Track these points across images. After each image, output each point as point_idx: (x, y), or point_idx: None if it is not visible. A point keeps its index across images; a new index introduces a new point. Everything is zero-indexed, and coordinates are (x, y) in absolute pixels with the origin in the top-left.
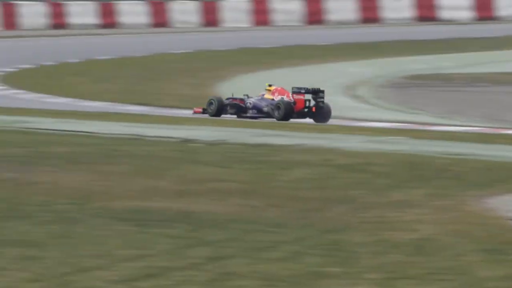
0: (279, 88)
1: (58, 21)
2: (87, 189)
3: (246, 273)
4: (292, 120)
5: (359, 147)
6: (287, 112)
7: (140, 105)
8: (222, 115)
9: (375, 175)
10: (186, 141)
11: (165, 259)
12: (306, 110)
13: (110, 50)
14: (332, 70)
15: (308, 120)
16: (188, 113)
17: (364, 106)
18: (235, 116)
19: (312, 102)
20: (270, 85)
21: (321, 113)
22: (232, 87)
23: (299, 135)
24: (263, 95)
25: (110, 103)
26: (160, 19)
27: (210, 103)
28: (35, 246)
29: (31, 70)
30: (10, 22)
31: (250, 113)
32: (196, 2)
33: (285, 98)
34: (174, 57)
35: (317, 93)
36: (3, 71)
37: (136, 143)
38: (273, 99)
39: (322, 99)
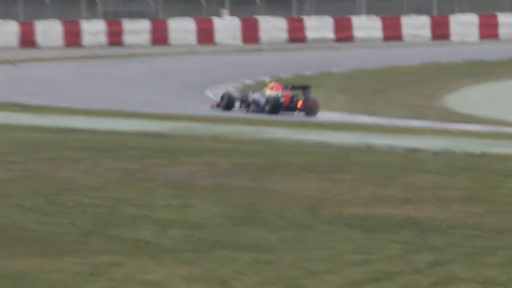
0: (276, 84)
1: (297, 36)
2: (319, 197)
3: (466, 277)
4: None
5: None
6: (274, 106)
7: (371, 116)
8: (234, 109)
9: None
10: (413, 150)
11: (390, 264)
12: (292, 105)
13: (344, 63)
14: None
15: None
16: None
17: None
18: (244, 109)
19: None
20: (270, 81)
21: (308, 107)
22: (460, 98)
23: None
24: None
25: (342, 113)
26: (393, 33)
27: (222, 98)
28: (268, 251)
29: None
30: (250, 37)
31: (252, 107)
32: (428, 17)
33: (280, 94)
34: (405, 70)
35: (304, 88)
36: (240, 83)
37: (365, 153)
38: (271, 95)
39: (308, 95)
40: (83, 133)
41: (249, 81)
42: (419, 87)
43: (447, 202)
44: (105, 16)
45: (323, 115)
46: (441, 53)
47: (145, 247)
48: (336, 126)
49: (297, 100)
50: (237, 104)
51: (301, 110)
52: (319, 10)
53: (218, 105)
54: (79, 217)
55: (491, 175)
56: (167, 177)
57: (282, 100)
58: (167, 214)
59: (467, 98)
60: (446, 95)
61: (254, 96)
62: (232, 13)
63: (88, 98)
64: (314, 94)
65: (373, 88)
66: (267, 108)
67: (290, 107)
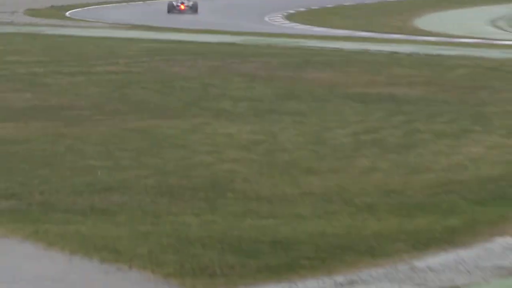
0: None
1: None
2: (334, 81)
3: (425, 130)
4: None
5: (496, 55)
6: (168, 9)
7: (368, 32)
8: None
9: (506, 72)
10: (393, 53)
11: (378, 122)
12: (178, 8)
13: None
14: (483, 11)
15: None
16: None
17: (500, 31)
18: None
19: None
20: None
21: (190, 8)
22: (424, 21)
23: (459, 49)
24: None
25: (350, 30)
26: None
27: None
28: (301, 115)
29: (303, 11)
30: None
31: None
32: None
33: (175, 1)
34: (390, 4)
35: None
36: (286, 12)
37: (364, 54)
38: (172, 1)
39: (190, 2)
40: (187, 44)
41: (291, 11)
42: (398, 14)
43: (415, 84)
44: None
45: (336, 32)
46: None
47: (224, 113)
48: (345, 38)
49: (178, 5)
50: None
51: (187, 10)
52: None
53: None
54: (183, 95)
55: (442, 68)
56: (239, 70)
57: (175, 4)
58: (238, 93)
59: (429, 21)
60: (416, 19)
61: (173, 3)
62: None
63: (190, 22)
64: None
65: (369, 14)
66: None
67: (177, 9)
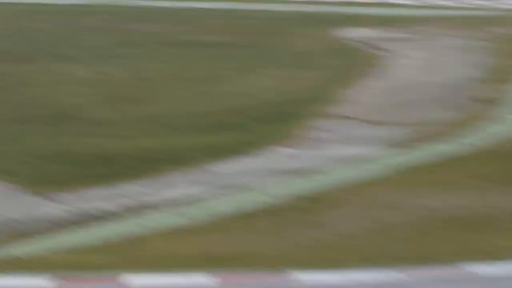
0: None
1: None
2: (159, 32)
3: (227, 68)
4: None
5: (287, 9)
6: None
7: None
8: None
9: (294, 22)
10: (209, 9)
11: (191, 62)
12: None
13: None
14: None
15: None
16: None
17: None
18: None
19: None
20: None
21: None
22: None
23: (259, 5)
24: None
25: None
26: None
27: None
28: (133, 58)
29: None
30: None
31: None
32: None
33: None
34: None
35: None
36: None
37: (185, 10)
38: None
39: None
40: (49, 6)
41: None
42: None
43: (223, 33)
44: None
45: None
46: None
47: (71, 58)
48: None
49: None
50: None
51: None
52: None
53: None
54: (40, 45)
55: (245, 19)
56: (88, 24)
57: None
58: (85, 42)
59: None
60: None
61: None
62: None
63: None
64: None
65: None
66: None
67: None
